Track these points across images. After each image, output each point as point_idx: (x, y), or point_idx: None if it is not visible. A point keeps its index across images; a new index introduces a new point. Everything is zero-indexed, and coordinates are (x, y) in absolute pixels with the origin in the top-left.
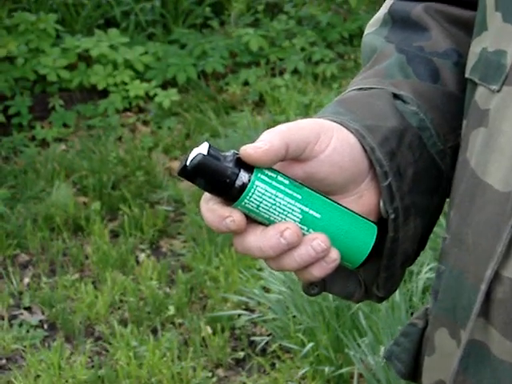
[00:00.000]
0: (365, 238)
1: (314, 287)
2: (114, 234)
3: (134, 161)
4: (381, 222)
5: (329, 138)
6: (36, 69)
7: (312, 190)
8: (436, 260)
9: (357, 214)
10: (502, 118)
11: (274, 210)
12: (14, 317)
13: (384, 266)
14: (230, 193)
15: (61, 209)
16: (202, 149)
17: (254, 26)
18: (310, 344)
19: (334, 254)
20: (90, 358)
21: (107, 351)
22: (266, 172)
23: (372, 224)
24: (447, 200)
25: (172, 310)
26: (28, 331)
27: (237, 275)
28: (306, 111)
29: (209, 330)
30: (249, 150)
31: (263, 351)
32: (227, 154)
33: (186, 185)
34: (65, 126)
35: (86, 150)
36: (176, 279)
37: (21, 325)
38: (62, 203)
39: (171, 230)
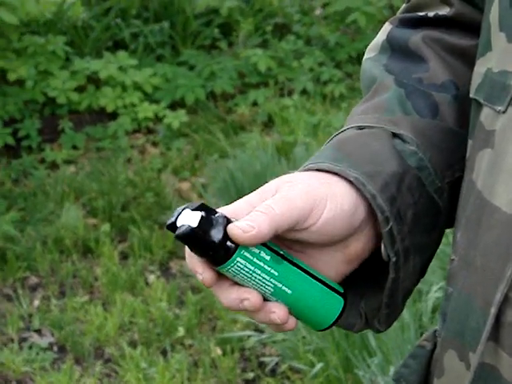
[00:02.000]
0: (329, 312)
1: None
2: (124, 256)
3: (144, 182)
4: (378, 264)
5: (321, 211)
6: (45, 91)
7: (291, 263)
8: (445, 279)
9: (328, 285)
10: (508, 138)
11: (248, 281)
12: (24, 339)
13: (385, 304)
14: (211, 260)
15: (70, 231)
16: (194, 217)
17: (263, 46)
18: (320, 364)
19: (291, 324)
20: (99, 380)
21: (117, 373)
22: (251, 248)
23: (340, 298)
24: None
25: (182, 332)
26: (38, 353)
27: None
28: (315, 131)
29: (218, 351)
30: (236, 232)
31: (273, 372)
32: (218, 216)
33: None
34: (74, 148)
35: (96, 172)
36: (186, 300)
37: (30, 347)
38: (72, 225)
39: (181, 251)
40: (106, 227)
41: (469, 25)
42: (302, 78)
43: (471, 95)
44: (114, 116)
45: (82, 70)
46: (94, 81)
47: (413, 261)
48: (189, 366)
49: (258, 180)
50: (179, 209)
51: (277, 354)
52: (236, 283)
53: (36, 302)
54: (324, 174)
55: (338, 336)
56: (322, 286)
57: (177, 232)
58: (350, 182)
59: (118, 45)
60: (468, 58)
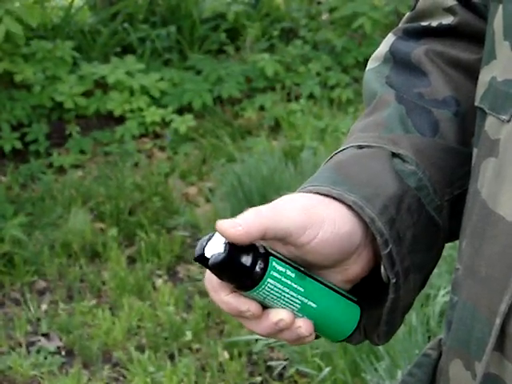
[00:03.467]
0: (349, 321)
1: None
2: (131, 260)
3: (151, 186)
4: (378, 280)
5: (315, 232)
6: (53, 96)
7: (313, 278)
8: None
9: (345, 296)
10: None
11: (278, 300)
12: (32, 343)
13: (385, 321)
14: (242, 285)
15: (78, 235)
16: (221, 245)
17: (270, 51)
18: (327, 368)
19: (311, 338)
20: None
21: (124, 377)
22: (278, 267)
23: (357, 306)
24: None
25: (189, 336)
26: (46, 358)
27: None
28: (322, 136)
29: (226, 355)
30: (225, 225)
31: (280, 376)
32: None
33: (202, 210)
34: (82, 152)
35: (103, 177)
36: (193, 304)
37: (38, 351)
38: (79, 229)
39: (188, 256)
40: (113, 231)
41: (473, 34)
42: (309, 83)
43: (476, 104)
44: (121, 120)
45: (89, 74)
46: (102, 85)
47: (413, 279)
48: (196, 370)
49: (266, 184)
50: (203, 240)
51: (284, 358)
52: (263, 308)
53: (44, 306)
54: (323, 196)
55: None
56: (341, 296)
57: (210, 262)
58: (348, 205)
59: (125, 49)
60: (470, 72)
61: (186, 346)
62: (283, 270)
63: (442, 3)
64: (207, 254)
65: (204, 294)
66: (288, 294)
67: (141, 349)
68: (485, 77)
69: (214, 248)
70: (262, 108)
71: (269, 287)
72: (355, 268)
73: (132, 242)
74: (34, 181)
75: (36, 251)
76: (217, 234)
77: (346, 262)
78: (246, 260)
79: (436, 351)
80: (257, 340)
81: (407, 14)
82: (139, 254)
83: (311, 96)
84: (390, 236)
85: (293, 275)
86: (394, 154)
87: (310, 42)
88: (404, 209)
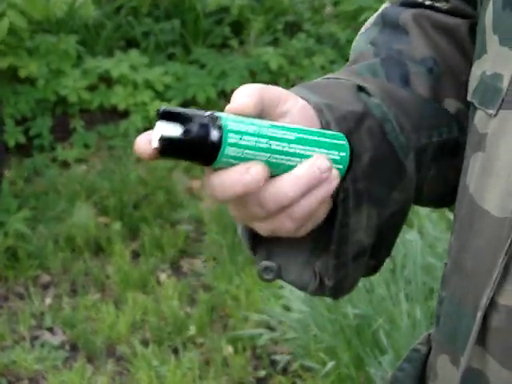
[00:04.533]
0: (339, 143)
1: (269, 272)
2: (135, 254)
3: (155, 180)
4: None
5: (296, 101)
6: (57, 90)
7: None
8: None
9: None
10: (498, 142)
11: (253, 152)
12: (36, 337)
13: (333, 252)
14: (207, 157)
15: (82, 229)
16: (173, 127)
17: (274, 44)
18: (331, 363)
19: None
20: (111, 378)
21: (129, 371)
22: (233, 118)
23: (341, 135)
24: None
25: (193, 330)
26: (50, 352)
27: (258, 294)
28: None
29: (230, 349)
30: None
31: (284, 370)
32: (188, 114)
33: (206, 204)
34: (86, 146)
35: (107, 171)
36: (197, 299)
37: (42, 345)
38: (83, 224)
39: (192, 250)
40: (117, 226)
41: (462, 18)
42: (314, 76)
43: (468, 98)
44: (125, 114)
45: (93, 68)
46: (106, 79)
47: (367, 210)
48: (200, 365)
49: None
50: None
51: (288, 353)
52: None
53: (48, 301)
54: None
55: (349, 334)
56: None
57: (157, 146)
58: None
59: (129, 43)
60: (453, 37)
61: (189, 340)
62: (240, 118)
63: None
64: (159, 137)
65: (208, 288)
66: (255, 135)
67: (145, 343)
68: (476, 71)
69: (167, 130)
70: None
71: (234, 144)
72: None
73: (136, 237)
74: (37, 175)
75: (40, 245)
76: (158, 123)
77: None
78: (194, 127)
79: (425, 346)
80: (261, 334)
81: None
82: (143, 248)
83: None
84: None
85: (252, 118)
86: (360, 88)
87: (314, 35)
88: (364, 128)
